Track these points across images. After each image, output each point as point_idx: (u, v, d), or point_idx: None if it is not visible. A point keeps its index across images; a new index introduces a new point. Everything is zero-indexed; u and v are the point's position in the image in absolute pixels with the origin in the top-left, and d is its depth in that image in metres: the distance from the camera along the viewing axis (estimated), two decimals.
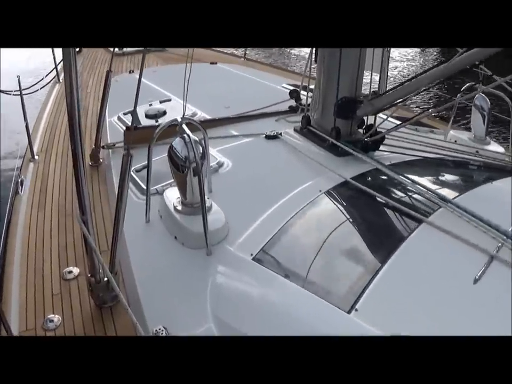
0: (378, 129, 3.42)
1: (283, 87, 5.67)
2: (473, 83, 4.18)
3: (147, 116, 4.68)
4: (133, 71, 6.72)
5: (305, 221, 2.65)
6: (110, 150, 4.15)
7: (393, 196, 2.79)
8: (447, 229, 2.27)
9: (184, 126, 2.65)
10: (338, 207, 2.87)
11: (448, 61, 2.79)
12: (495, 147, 4.24)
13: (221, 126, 4.26)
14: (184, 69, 6.42)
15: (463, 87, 4.14)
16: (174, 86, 5.34)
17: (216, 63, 6.91)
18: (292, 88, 5.52)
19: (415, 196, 2.68)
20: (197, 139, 2.66)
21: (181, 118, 2.70)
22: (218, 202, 2.83)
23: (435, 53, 18.16)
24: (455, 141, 4.26)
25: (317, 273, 2.29)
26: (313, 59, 3.74)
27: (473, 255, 2.11)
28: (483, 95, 4.08)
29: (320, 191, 2.85)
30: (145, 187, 3.27)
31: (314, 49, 3.81)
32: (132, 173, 3.59)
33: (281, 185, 3.07)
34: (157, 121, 4.58)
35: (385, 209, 2.65)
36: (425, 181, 2.91)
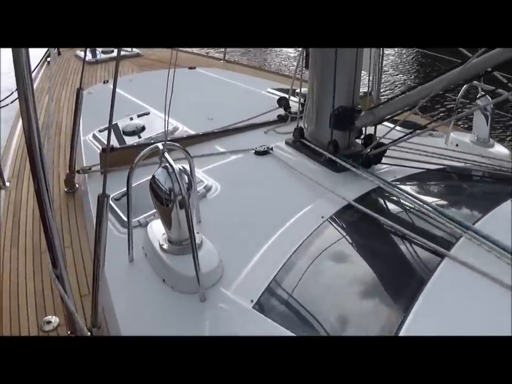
0: (378, 138, 3.13)
1: (268, 92, 5.34)
2: (476, 82, 3.92)
3: (125, 133, 4.33)
4: (107, 81, 6.31)
5: (310, 257, 2.35)
6: (86, 175, 3.81)
7: (404, 221, 2.49)
8: (474, 265, 1.98)
9: (166, 155, 2.32)
10: (345, 239, 2.56)
11: (464, 64, 2.49)
12: (499, 149, 3.98)
13: (205, 142, 3.93)
14: (161, 75, 6.06)
15: (463, 87, 3.87)
16: (152, 96, 4.97)
17: (195, 68, 6.55)
18: (277, 93, 5.23)
19: (429, 219, 2.39)
20: (182, 167, 2.34)
21: (162, 145, 2.38)
22: (209, 234, 2.51)
23: None
24: (457, 145, 4.00)
25: (331, 327, 1.99)
26: (304, 64, 3.44)
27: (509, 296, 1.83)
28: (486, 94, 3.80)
29: (323, 217, 2.55)
30: (125, 218, 2.96)
31: (304, 51, 3.49)
32: (110, 201, 3.27)
33: (278, 211, 2.77)
34: (139, 137, 4.25)
35: (397, 239, 2.35)
36: (436, 199, 2.63)
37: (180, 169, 2.30)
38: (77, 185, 3.85)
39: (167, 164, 2.29)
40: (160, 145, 2.37)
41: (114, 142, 4.19)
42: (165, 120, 2.56)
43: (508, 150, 3.99)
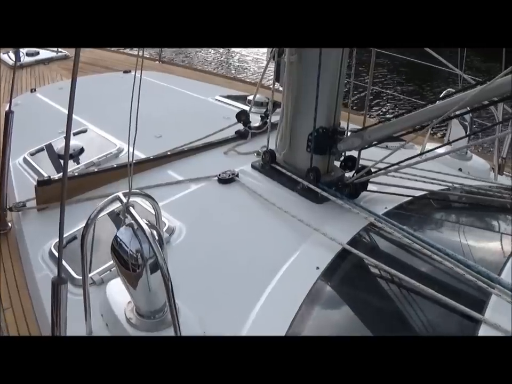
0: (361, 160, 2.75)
1: (217, 100, 4.86)
2: (451, 89, 3.64)
3: (60, 157, 3.74)
4: (35, 90, 5.61)
5: (314, 327, 1.94)
6: (19, 212, 3.24)
7: (416, 272, 2.13)
8: None
9: (132, 210, 1.84)
10: (354, 299, 2.16)
11: (487, 83, 2.12)
12: (478, 160, 3.71)
13: (156, 167, 3.42)
14: (95, 81, 5.38)
15: (441, 94, 3.58)
16: (88, 107, 4.37)
17: (130, 71, 5.94)
18: (227, 101, 4.78)
19: (444, 268, 2.03)
20: (148, 222, 1.86)
21: (125, 194, 1.89)
22: (181, 296, 2.00)
23: None
24: (422, 152, 3.70)
25: None
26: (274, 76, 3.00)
27: None
28: None
29: (318, 268, 2.15)
30: (74, 274, 2.47)
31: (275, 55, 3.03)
32: (52, 249, 2.76)
33: (262, 258, 2.35)
34: (78, 162, 3.68)
35: (417, 297, 1.98)
36: (441, 239, 2.31)
37: (147, 224, 1.83)
38: (9, 225, 3.27)
39: (133, 221, 1.83)
40: (121, 196, 1.88)
41: (48, 169, 3.64)
42: (128, 160, 2.03)
43: (487, 163, 3.73)
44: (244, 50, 17.30)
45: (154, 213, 2.09)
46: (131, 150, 1.93)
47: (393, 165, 2.56)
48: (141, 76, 1.85)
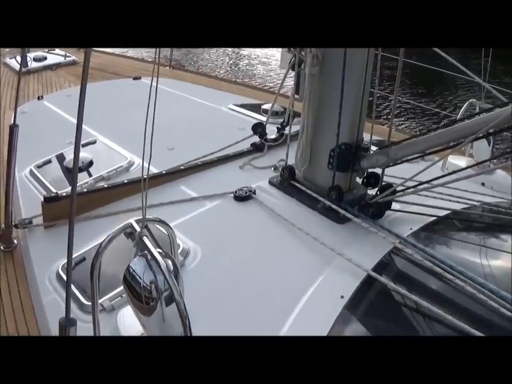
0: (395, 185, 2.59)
1: (231, 109, 4.71)
2: (474, 100, 3.50)
3: (69, 170, 3.60)
4: (42, 97, 5.45)
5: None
6: (26, 229, 3.11)
7: (446, 301, 2.00)
8: None
9: (145, 239, 1.70)
10: (380, 332, 2.01)
11: None
12: (500, 175, 3.54)
13: (169, 183, 3.27)
14: (104, 88, 5.22)
15: (464, 105, 3.44)
16: (97, 116, 4.24)
17: (140, 78, 5.80)
18: (241, 110, 4.64)
19: (478, 299, 1.89)
20: (163, 252, 1.73)
21: (137, 221, 1.76)
22: (197, 326, 1.86)
23: None
24: (454, 171, 3.54)
25: None
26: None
27: None
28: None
29: (342, 297, 2.01)
30: (83, 299, 2.35)
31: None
32: (60, 271, 2.63)
33: (282, 285, 2.22)
34: (90, 175, 3.55)
35: (445, 329, 1.84)
36: (470, 264, 2.18)
37: (162, 254, 1.69)
38: (15, 242, 3.14)
39: (146, 251, 1.69)
40: (134, 224, 1.75)
41: (56, 183, 3.50)
42: (142, 183, 1.89)
43: (509, 176, 3.57)
44: (252, 54, 17.23)
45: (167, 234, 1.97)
46: (145, 171, 1.80)
47: (420, 183, 2.41)
48: (157, 84, 1.71)
